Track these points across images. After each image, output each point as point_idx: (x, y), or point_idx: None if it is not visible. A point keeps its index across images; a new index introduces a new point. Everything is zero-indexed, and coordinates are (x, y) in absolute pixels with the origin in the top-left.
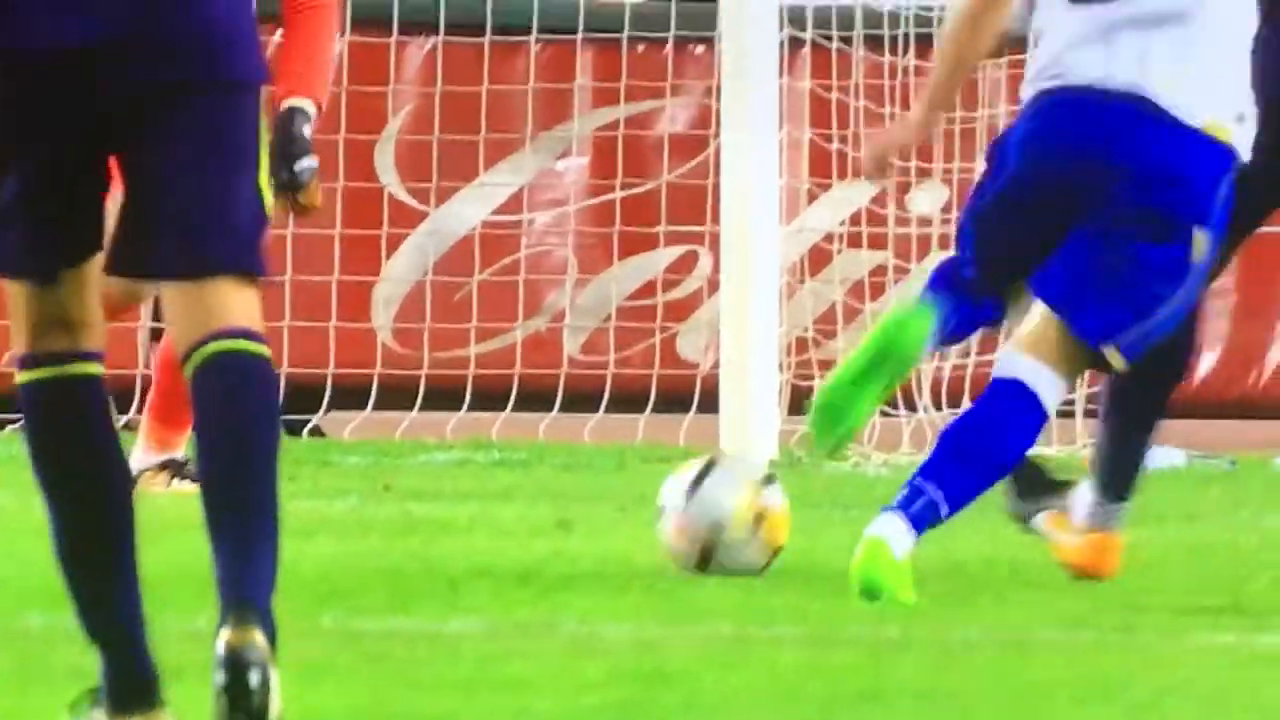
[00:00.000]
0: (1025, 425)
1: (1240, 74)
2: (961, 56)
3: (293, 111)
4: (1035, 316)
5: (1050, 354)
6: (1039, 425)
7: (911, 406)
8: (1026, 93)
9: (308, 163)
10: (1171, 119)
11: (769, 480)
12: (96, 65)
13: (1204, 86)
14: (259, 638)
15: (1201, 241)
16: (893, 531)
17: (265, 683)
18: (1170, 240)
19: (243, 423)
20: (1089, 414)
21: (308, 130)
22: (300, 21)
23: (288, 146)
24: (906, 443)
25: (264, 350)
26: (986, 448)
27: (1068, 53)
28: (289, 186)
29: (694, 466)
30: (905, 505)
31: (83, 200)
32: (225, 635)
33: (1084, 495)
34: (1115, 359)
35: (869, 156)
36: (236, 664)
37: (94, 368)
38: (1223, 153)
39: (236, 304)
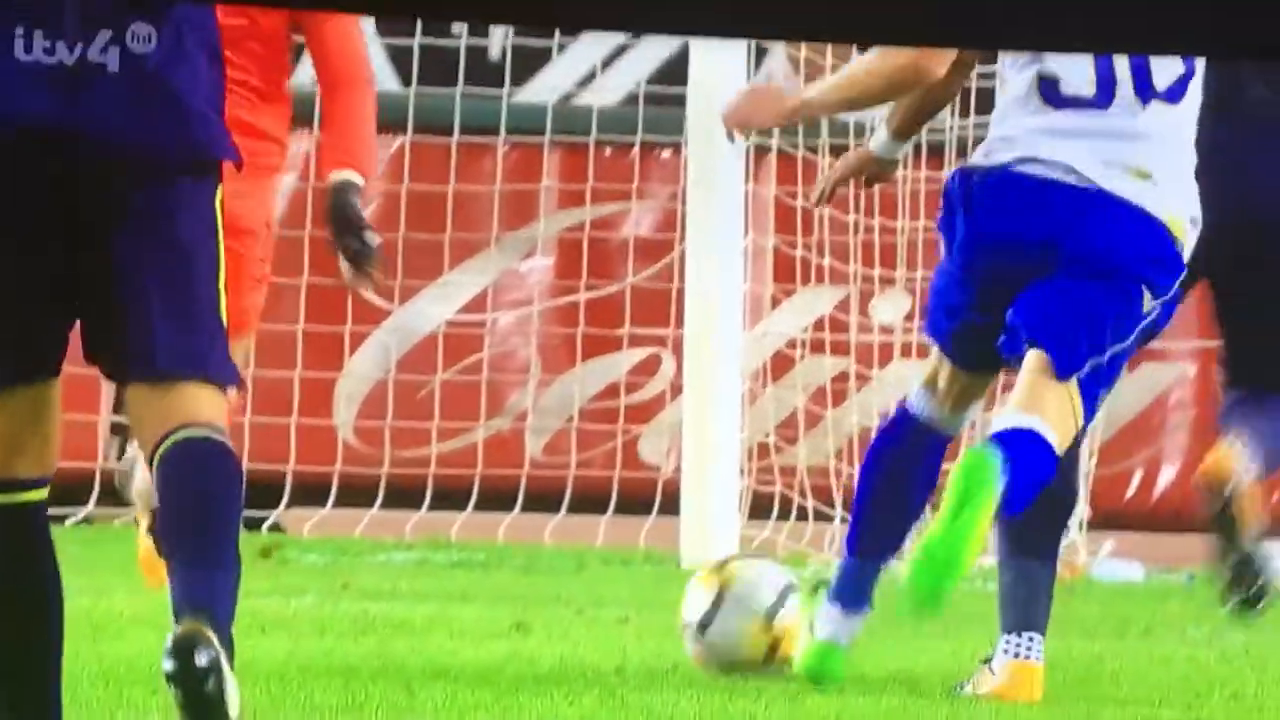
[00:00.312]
0: (1042, 460)
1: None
2: (860, 98)
3: (345, 185)
4: (1019, 387)
5: (1046, 412)
6: (1054, 464)
7: None
8: (979, 160)
9: (373, 234)
10: (1127, 204)
11: (782, 599)
12: (62, 148)
13: (1164, 189)
14: (209, 633)
15: (1148, 299)
16: (838, 628)
17: (215, 665)
18: (1122, 287)
19: (204, 489)
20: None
21: (359, 203)
22: (338, 98)
23: (352, 217)
24: None
25: (227, 442)
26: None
27: (1030, 138)
28: (361, 256)
29: (706, 593)
30: (842, 593)
31: (43, 313)
32: (174, 631)
33: (1000, 644)
34: (1077, 401)
35: (732, 112)
36: (183, 649)
37: (37, 495)
38: (1174, 250)
39: (201, 405)
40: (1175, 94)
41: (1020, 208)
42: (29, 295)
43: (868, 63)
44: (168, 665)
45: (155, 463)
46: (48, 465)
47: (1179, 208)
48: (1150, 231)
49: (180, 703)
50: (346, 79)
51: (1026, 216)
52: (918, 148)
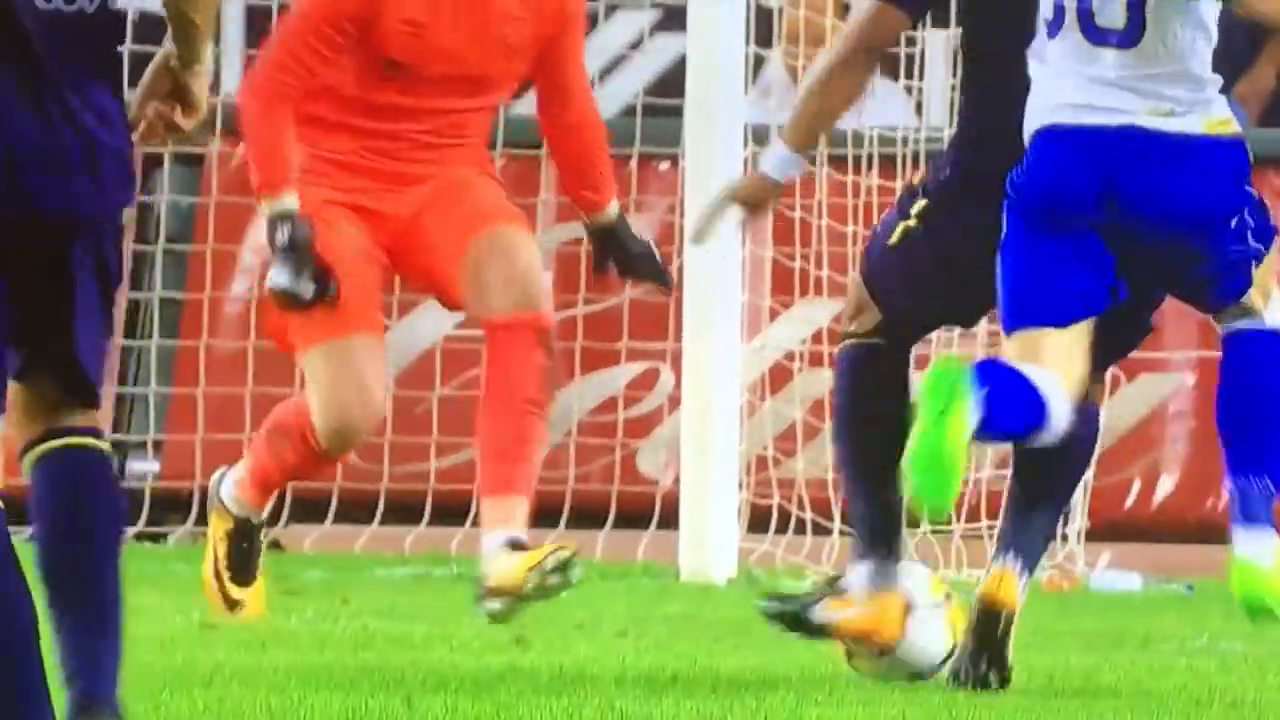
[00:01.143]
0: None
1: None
2: (824, 101)
3: (620, 219)
4: None
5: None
6: None
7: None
8: (1036, 123)
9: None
10: (1183, 141)
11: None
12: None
13: (1196, 96)
14: None
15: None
16: (1251, 546)
17: None
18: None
19: (83, 515)
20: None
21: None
22: (598, 136)
23: (651, 253)
24: None
25: (107, 446)
26: (1260, 400)
27: (1089, 89)
28: (665, 276)
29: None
30: (1244, 512)
31: None
32: None
33: (858, 568)
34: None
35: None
36: None
37: None
38: (1230, 148)
39: (80, 412)
40: (1129, 36)
41: (1070, 157)
42: None
43: (814, 73)
44: None
45: (30, 467)
46: None
47: (1211, 106)
48: (1211, 185)
49: None
50: (597, 117)
51: (1080, 165)
52: (915, 158)
